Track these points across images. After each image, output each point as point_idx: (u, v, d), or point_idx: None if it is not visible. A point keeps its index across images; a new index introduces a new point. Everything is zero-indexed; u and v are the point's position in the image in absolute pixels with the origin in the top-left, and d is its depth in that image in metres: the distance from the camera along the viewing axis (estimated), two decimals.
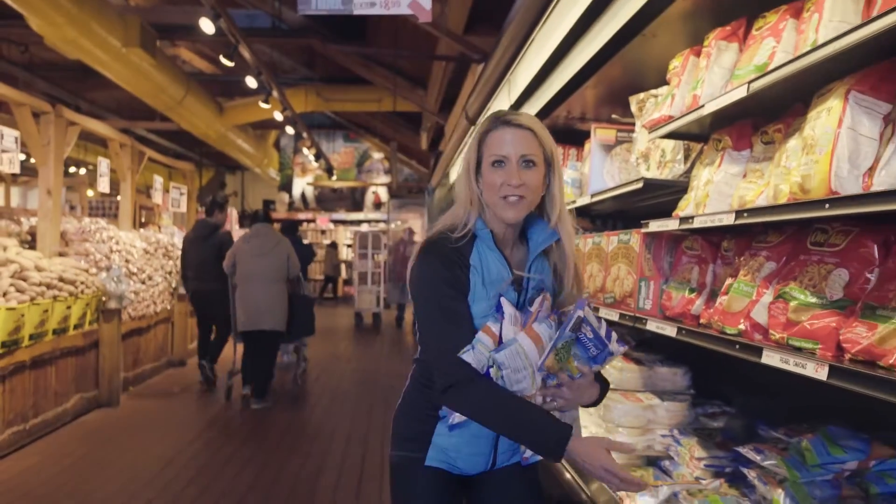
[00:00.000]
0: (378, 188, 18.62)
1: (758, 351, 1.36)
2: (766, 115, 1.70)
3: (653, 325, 1.91)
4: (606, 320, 1.56)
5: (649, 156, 2.35)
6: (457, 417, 1.52)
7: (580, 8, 2.38)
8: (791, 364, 1.25)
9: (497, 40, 3.29)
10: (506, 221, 1.54)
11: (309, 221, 17.72)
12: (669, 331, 1.80)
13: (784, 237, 1.50)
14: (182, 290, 7.52)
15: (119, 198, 11.19)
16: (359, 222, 17.73)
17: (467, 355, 1.43)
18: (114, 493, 3.64)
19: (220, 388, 6.10)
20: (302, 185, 18.77)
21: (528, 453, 1.50)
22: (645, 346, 2.79)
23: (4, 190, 8.29)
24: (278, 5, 8.61)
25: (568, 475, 2.17)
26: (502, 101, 3.64)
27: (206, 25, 5.76)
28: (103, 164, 6.43)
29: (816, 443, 1.46)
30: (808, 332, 1.29)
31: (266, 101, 8.18)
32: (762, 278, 1.49)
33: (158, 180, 7.77)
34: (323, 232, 17.80)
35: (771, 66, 1.55)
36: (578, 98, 3.11)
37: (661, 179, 2.14)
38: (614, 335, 1.46)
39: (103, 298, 5.46)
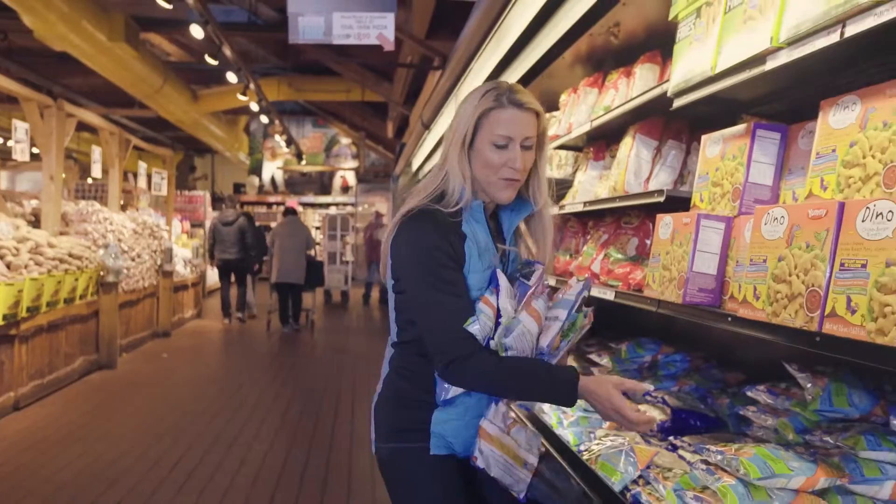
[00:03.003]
0: (346, 172, 19.27)
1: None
2: (616, 137, 2.55)
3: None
4: None
5: (553, 159, 3.21)
6: (451, 392, 1.48)
7: (504, 48, 3.20)
8: (601, 294, 2.11)
9: (445, 63, 4.11)
10: (499, 202, 1.53)
11: (278, 204, 18.32)
12: (552, 282, 2.66)
13: (613, 219, 2.36)
14: (167, 268, 8.24)
15: (90, 181, 11.77)
16: (327, 205, 18.41)
17: (472, 327, 1.38)
18: (129, 431, 4.41)
19: (228, 341, 7.01)
20: (272, 168, 19.32)
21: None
22: None
23: None
24: (255, 3, 9.25)
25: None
26: (451, 111, 4.47)
27: (196, 31, 6.45)
28: (96, 152, 7.07)
29: (630, 347, 2.33)
30: (616, 276, 2.15)
31: (244, 94, 8.84)
32: (599, 244, 2.35)
33: (143, 166, 8.40)
34: None
35: (612, 108, 2.40)
36: None
37: (556, 178, 2.99)
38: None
39: (101, 273, 6.15)
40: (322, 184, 19.51)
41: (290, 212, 9.38)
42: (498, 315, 1.41)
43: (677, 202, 1.79)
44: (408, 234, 1.45)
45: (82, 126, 7.60)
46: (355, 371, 6.45)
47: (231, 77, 8.49)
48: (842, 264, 1.05)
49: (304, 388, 5.71)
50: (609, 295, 2.06)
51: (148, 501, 3.29)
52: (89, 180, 11.79)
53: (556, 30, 2.45)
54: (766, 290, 1.23)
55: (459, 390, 1.47)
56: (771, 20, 1.27)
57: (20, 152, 5.54)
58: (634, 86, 2.28)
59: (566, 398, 1.39)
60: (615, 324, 3.02)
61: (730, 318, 1.37)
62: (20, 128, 5.52)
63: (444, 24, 7.33)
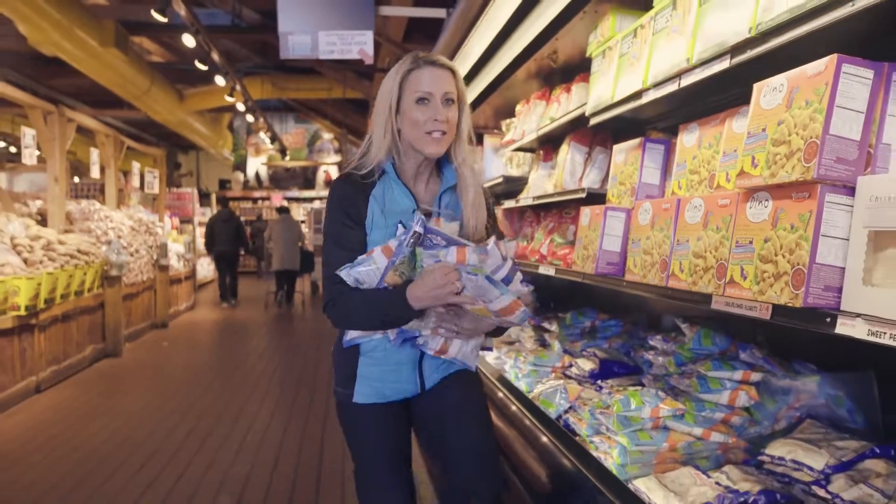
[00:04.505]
0: (329, 167, 19.66)
1: (536, 266, 2.73)
2: (561, 142, 3.06)
3: None
4: None
5: (513, 159, 3.72)
6: (349, 335, 1.69)
7: (469, 64, 3.69)
8: (546, 271, 2.63)
9: None
10: (428, 156, 1.64)
11: (264, 199, 18.72)
12: None
13: (557, 211, 2.87)
14: (163, 262, 8.67)
15: (76, 179, 12.12)
16: (311, 199, 18.82)
17: (343, 272, 1.56)
18: (142, 409, 4.88)
19: (223, 330, 7.45)
20: (256, 164, 19.66)
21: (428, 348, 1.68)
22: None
23: None
24: (238, 6, 9.64)
25: None
26: None
27: (188, 40, 6.87)
28: (94, 154, 7.47)
29: (573, 315, 2.86)
30: (558, 256, 2.67)
31: (230, 95, 9.25)
32: (546, 231, 2.86)
33: (136, 165, 8.80)
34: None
35: (556, 118, 2.90)
36: (481, 113, 4.45)
37: (514, 176, 3.50)
38: (518, 276, 1.68)
39: (106, 267, 6.59)
40: (306, 178, 19.88)
41: (283, 210, 11.01)
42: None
43: (600, 197, 2.30)
44: (327, 198, 1.69)
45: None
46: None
47: (219, 80, 8.89)
48: (678, 241, 1.57)
49: (298, 369, 6.20)
50: (551, 271, 2.58)
51: (169, 462, 3.77)
52: (76, 179, 12.15)
53: (508, 55, 2.96)
54: (641, 261, 1.75)
55: (357, 334, 1.68)
56: (643, 68, 1.79)
57: (28, 156, 5.95)
58: (571, 101, 2.78)
59: (406, 309, 1.54)
60: (574, 298, 3.56)
61: (624, 283, 1.89)
62: (28, 134, 5.92)
63: (420, 28, 7.81)
